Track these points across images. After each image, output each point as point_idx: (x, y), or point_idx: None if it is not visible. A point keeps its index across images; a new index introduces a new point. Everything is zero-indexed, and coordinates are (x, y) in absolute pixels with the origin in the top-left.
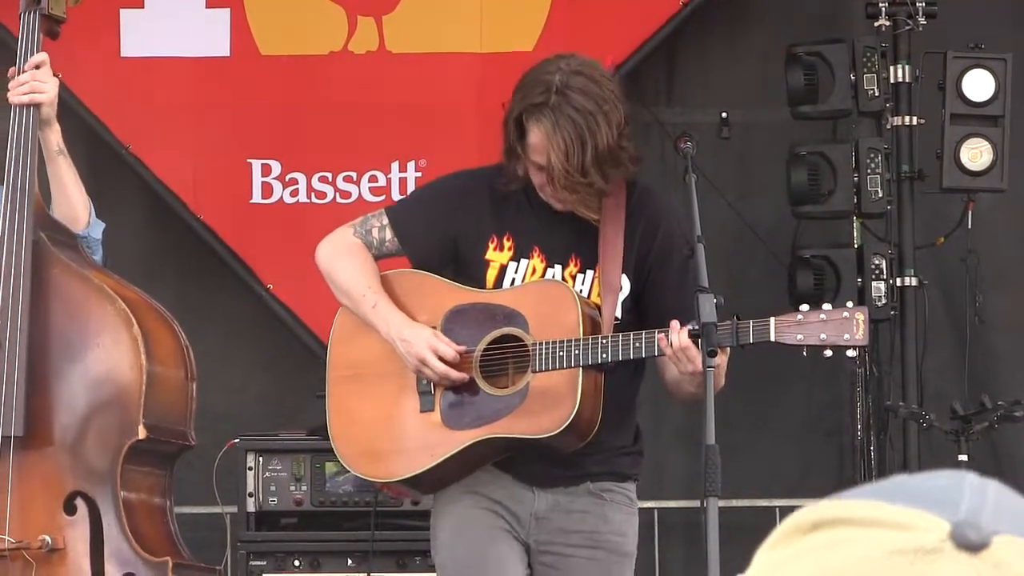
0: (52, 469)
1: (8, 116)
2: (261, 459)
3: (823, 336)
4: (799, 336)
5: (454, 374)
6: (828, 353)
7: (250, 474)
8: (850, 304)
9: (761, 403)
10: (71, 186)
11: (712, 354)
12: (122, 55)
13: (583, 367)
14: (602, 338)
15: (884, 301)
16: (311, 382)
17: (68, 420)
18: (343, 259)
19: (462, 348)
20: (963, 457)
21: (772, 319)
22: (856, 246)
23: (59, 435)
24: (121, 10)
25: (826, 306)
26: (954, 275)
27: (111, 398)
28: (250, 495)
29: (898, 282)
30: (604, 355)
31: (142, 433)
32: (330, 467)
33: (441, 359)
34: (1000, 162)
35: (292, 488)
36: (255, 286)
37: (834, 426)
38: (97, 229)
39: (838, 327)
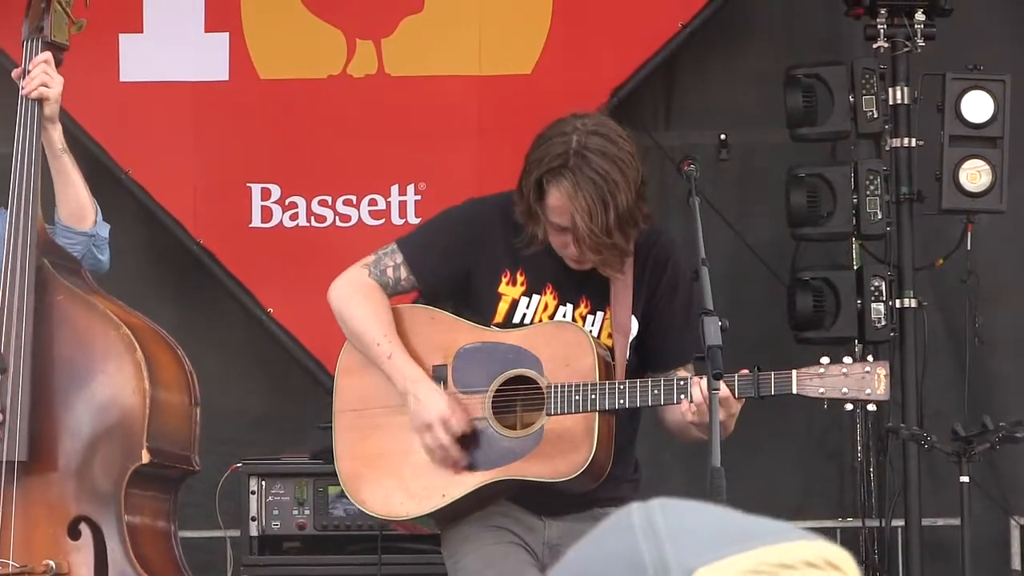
0: (56, 494)
1: (7, 140)
2: (264, 483)
3: (845, 391)
4: (821, 389)
5: (454, 452)
6: (849, 407)
7: (253, 498)
8: (871, 358)
9: (761, 425)
10: (78, 182)
11: (717, 376)
12: (121, 80)
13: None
14: (619, 384)
15: (884, 323)
16: (312, 405)
17: (72, 445)
18: (357, 302)
19: (469, 428)
20: (964, 479)
21: (794, 371)
22: (855, 268)
23: (63, 460)
24: (120, 35)
25: (847, 359)
26: (954, 296)
27: (115, 423)
28: (253, 519)
29: (898, 303)
30: (622, 401)
31: (146, 457)
32: (333, 491)
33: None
34: (999, 183)
35: (295, 512)
36: (255, 310)
37: (835, 448)
38: (104, 229)
39: (859, 381)
